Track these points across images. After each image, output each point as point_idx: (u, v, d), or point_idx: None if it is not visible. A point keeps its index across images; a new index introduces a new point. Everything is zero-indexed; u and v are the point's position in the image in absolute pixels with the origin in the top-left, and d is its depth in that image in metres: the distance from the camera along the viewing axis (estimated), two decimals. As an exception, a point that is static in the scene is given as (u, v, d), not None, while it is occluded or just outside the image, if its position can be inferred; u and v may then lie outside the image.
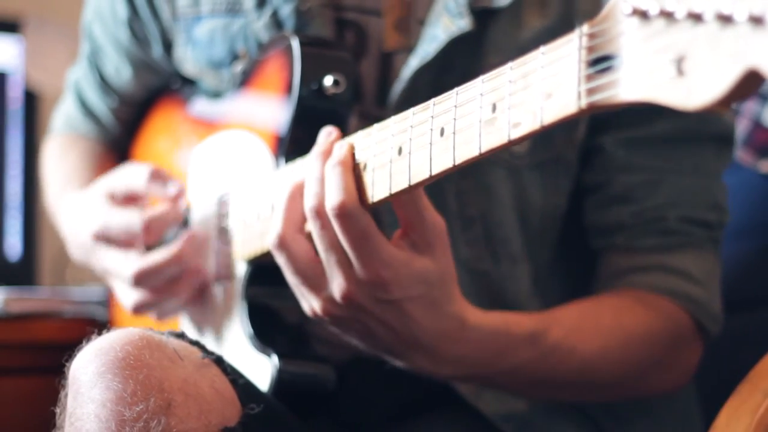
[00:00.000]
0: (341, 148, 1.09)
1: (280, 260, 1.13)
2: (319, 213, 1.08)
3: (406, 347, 1.14)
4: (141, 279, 1.37)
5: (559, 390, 1.29)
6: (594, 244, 1.38)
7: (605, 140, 1.35)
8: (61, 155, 1.72)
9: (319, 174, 1.09)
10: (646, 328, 1.29)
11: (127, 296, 1.41)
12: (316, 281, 1.12)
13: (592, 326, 1.25)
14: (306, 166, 1.12)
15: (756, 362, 1.17)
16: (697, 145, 1.35)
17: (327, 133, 1.13)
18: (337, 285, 1.09)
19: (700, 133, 1.34)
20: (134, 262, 1.38)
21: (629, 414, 1.40)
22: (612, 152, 1.35)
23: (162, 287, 1.38)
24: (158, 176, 1.41)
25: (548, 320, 1.22)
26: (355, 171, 1.08)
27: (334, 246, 1.08)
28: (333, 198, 1.06)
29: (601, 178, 1.36)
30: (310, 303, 1.14)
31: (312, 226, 1.09)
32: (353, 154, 1.09)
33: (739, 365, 1.19)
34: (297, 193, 1.12)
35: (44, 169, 1.76)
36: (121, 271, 1.40)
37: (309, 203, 1.08)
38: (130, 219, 1.39)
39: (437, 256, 1.08)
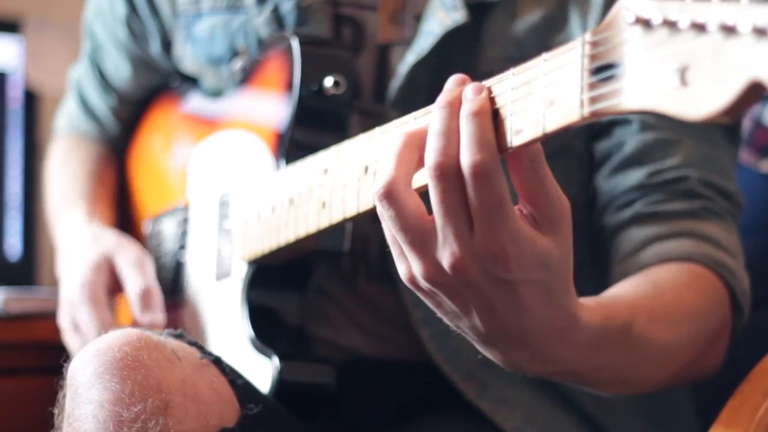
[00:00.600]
0: (478, 93, 0.93)
1: (386, 214, 0.95)
2: (446, 172, 0.92)
3: (506, 338, 0.98)
4: None
5: (635, 381, 1.18)
6: (612, 221, 1.30)
7: None
8: (63, 162, 1.72)
9: (447, 126, 0.93)
10: (703, 302, 1.21)
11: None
12: (424, 242, 0.94)
13: (661, 310, 1.15)
14: (430, 116, 0.95)
15: (756, 362, 1.17)
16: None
17: (459, 81, 0.95)
18: (449, 252, 0.93)
19: None
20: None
21: (627, 413, 1.40)
22: (621, 117, 1.30)
23: None
24: (144, 301, 1.39)
25: (631, 309, 1.10)
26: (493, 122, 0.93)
27: (457, 209, 0.92)
28: (471, 155, 0.90)
29: (614, 143, 1.31)
30: (409, 265, 0.97)
31: (434, 186, 0.93)
32: (492, 99, 0.93)
33: (739, 365, 1.18)
34: (414, 143, 0.96)
35: (47, 175, 1.76)
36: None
37: (433, 159, 0.92)
38: (92, 325, 1.40)
39: (560, 238, 0.94)
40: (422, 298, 0.98)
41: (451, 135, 0.92)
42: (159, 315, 1.38)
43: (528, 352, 0.99)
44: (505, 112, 0.90)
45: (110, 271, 1.43)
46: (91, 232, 1.51)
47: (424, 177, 0.94)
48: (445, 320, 0.99)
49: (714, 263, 1.24)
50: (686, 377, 1.24)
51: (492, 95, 0.92)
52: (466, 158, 0.90)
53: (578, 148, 1.34)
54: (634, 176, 1.29)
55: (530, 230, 0.92)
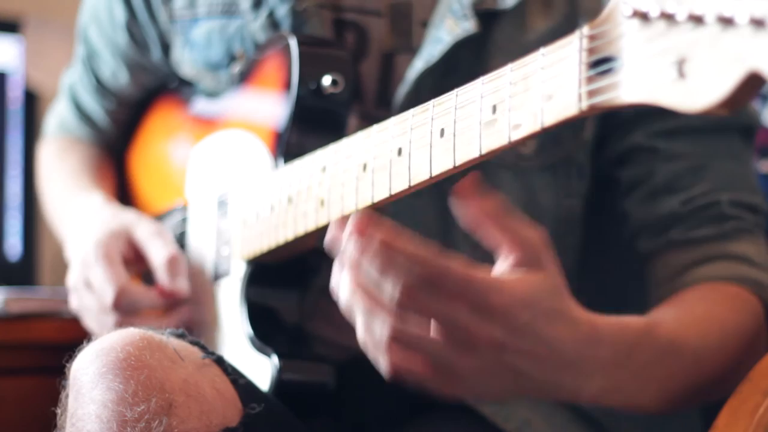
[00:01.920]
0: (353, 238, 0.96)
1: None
2: (408, 299, 0.94)
3: (553, 371, 1.00)
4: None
5: (680, 394, 1.16)
6: (646, 247, 1.33)
7: (637, 137, 1.33)
8: (60, 157, 1.72)
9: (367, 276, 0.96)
10: (734, 315, 1.22)
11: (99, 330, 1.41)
12: (454, 354, 0.97)
13: (691, 320, 1.17)
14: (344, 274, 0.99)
15: (757, 362, 1.17)
16: (726, 134, 1.33)
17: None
18: (472, 340, 0.96)
19: (726, 122, 1.32)
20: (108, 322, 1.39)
21: (628, 415, 1.39)
22: (650, 144, 1.32)
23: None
24: (172, 267, 1.38)
25: (652, 318, 1.14)
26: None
27: (452, 317, 0.95)
28: (393, 286, 0.94)
29: (642, 171, 1.33)
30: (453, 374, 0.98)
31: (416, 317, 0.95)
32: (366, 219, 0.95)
33: (739, 365, 1.18)
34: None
35: (42, 171, 1.75)
36: (96, 322, 1.42)
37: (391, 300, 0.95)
38: (107, 283, 1.38)
39: (542, 268, 0.98)
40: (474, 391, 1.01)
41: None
42: (186, 282, 1.39)
43: (574, 372, 1.02)
44: (503, 107, 0.90)
45: (128, 241, 1.42)
46: (111, 210, 1.51)
47: None
48: (503, 393, 1.02)
49: (747, 281, 1.26)
50: (722, 389, 1.20)
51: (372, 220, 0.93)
52: (389, 291, 0.94)
53: (581, 159, 1.35)
54: (667, 205, 1.31)
55: (498, 282, 0.96)
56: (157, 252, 1.40)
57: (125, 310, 1.38)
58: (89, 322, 1.44)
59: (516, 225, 0.97)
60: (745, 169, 1.34)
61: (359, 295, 0.96)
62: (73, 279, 1.44)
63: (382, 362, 0.97)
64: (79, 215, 1.57)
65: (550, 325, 0.98)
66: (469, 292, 0.94)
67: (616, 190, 1.36)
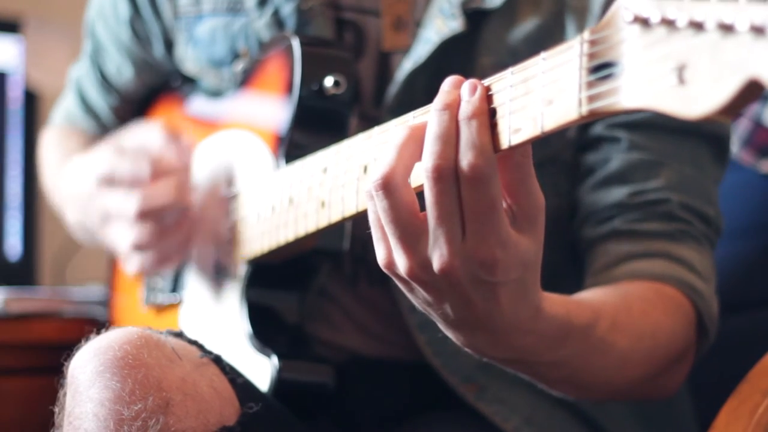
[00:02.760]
0: (473, 93, 0.92)
1: (380, 204, 0.94)
2: (443, 175, 0.91)
3: (475, 327, 0.99)
4: (144, 215, 1.35)
5: (587, 386, 1.18)
6: (589, 234, 1.31)
7: (597, 128, 1.32)
8: (60, 141, 1.72)
9: (444, 130, 0.92)
10: (669, 322, 1.21)
11: (126, 236, 1.38)
12: (413, 238, 0.94)
13: (626, 320, 1.15)
14: (428, 117, 0.94)
15: (756, 362, 1.17)
16: (694, 139, 1.31)
17: (456, 83, 0.94)
18: (439, 254, 0.93)
19: (695, 127, 1.31)
20: (139, 198, 1.36)
21: (625, 413, 1.40)
22: (611, 134, 1.31)
23: (164, 229, 1.37)
24: (173, 137, 1.39)
25: (596, 312, 1.11)
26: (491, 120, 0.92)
27: (451, 212, 0.92)
28: (469, 158, 0.90)
29: (599, 158, 1.32)
30: (390, 252, 0.96)
31: (430, 188, 0.92)
32: (490, 97, 0.92)
33: (739, 365, 1.18)
34: (418, 137, 0.94)
35: (42, 154, 1.75)
36: (124, 207, 1.38)
37: (431, 162, 0.91)
38: (139, 164, 1.37)
39: (536, 235, 0.94)
40: (396, 282, 0.99)
41: (449, 138, 0.92)
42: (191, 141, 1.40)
43: (491, 340, 1.00)
44: (504, 111, 0.90)
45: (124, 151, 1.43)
46: (93, 152, 1.51)
47: (420, 177, 0.94)
48: (414, 303, 1.00)
49: (684, 285, 1.24)
50: (640, 392, 1.25)
51: (489, 93, 0.92)
52: (464, 162, 0.91)
53: (567, 158, 1.34)
54: (616, 194, 1.29)
55: (515, 234, 0.93)
56: (151, 135, 1.41)
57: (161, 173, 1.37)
58: (116, 229, 1.42)
59: (533, 177, 0.93)
60: (705, 178, 1.32)
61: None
62: (101, 204, 1.43)
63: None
64: (64, 181, 1.59)
65: (508, 295, 0.95)
66: (489, 215, 0.91)
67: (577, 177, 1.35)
